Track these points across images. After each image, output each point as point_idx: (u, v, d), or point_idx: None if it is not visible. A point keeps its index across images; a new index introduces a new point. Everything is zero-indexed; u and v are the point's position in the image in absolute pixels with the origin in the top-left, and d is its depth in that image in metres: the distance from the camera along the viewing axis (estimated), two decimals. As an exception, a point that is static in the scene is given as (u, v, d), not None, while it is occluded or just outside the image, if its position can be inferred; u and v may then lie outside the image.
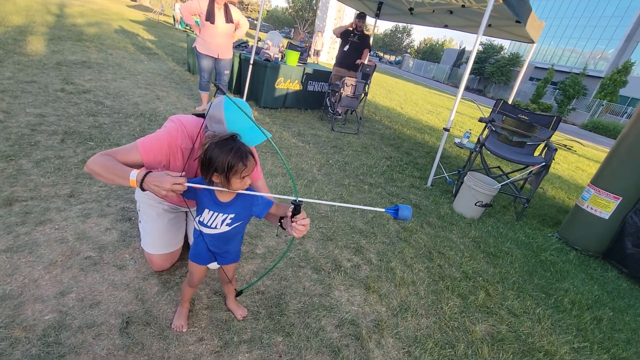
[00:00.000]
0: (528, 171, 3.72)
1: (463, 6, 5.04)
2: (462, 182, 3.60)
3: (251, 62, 5.22)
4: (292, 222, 1.22)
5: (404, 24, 58.82)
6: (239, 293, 1.66)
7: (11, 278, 1.55)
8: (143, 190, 1.16)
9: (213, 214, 1.26)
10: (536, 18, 4.71)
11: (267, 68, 5.22)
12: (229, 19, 4.01)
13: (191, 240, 1.86)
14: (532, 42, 5.29)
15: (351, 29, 5.81)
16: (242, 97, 5.51)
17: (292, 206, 1.20)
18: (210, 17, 3.84)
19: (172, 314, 1.59)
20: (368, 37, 5.93)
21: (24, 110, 3.25)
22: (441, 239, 2.86)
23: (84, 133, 3.10)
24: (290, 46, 6.76)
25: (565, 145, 3.80)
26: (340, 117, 6.22)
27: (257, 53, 5.52)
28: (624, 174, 3.04)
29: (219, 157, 1.12)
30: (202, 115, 1.55)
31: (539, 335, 2.05)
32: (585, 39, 33.15)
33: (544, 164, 3.38)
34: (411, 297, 2.10)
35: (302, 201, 1.18)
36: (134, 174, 1.17)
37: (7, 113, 3.11)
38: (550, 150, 3.49)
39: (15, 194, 2.09)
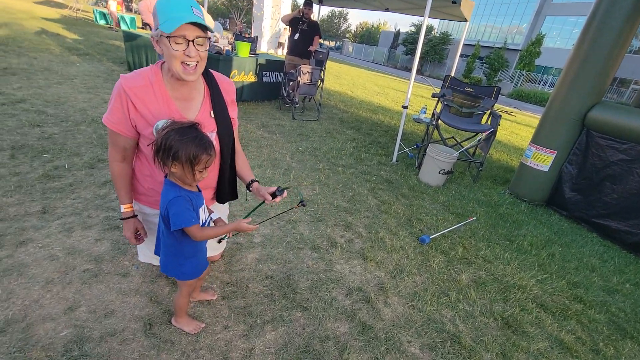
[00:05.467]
0: (478, 138, 4.15)
1: (403, -11, 5.32)
2: (424, 155, 3.92)
3: (202, 56, 5.03)
4: (271, 200, 1.39)
5: (340, 9, 59.30)
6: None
7: (9, 302, 1.45)
8: None
9: (204, 207, 1.28)
10: (468, -2, 5.14)
11: (219, 61, 5.07)
12: None
13: None
14: (465, 20, 5.76)
15: (299, 16, 5.83)
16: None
17: (276, 190, 1.37)
18: None
19: (191, 309, 1.60)
20: (317, 24, 5.99)
21: (-47, 128, 2.86)
22: (416, 207, 3.12)
23: (35, 146, 2.82)
24: (237, 37, 6.60)
25: (506, 111, 4.28)
26: (298, 105, 6.27)
27: (206, 46, 5.31)
28: (556, 131, 3.53)
29: (181, 146, 1.06)
30: None
31: (511, 274, 2.39)
32: (503, 15, 36.30)
33: (492, 129, 3.80)
34: (403, 260, 2.31)
35: (283, 190, 1.37)
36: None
37: None
38: (495, 117, 3.92)
39: (-21, 218, 1.89)
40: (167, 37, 1.07)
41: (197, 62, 1.15)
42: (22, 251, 1.73)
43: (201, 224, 1.24)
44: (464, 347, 1.70)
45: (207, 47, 1.17)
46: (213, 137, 1.40)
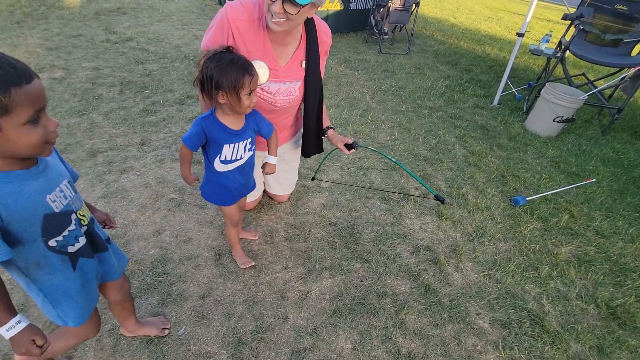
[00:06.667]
0: (622, 75, 3.15)
1: None
2: (537, 97, 3.18)
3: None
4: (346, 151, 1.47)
5: None
6: (313, 178, 1.99)
7: (113, 220, 1.72)
8: None
9: (234, 146, 1.20)
10: None
11: (303, -12, 4.70)
12: None
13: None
14: None
15: None
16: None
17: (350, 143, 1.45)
18: None
19: (256, 245, 1.69)
20: None
21: (80, 65, 3.34)
22: (514, 161, 2.64)
23: (138, 82, 3.14)
24: (325, -42, 5.93)
25: (677, 38, 3.09)
26: (387, 36, 5.61)
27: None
28: None
29: (221, 73, 1.01)
30: None
31: (633, 255, 1.90)
32: None
33: (647, 64, 2.81)
34: (486, 222, 2.02)
35: (358, 146, 1.46)
36: None
37: (66, 69, 3.22)
38: (657, 46, 2.86)
39: (96, 146, 2.24)
40: None
41: (285, 20, 1.09)
42: (125, 177, 2.01)
43: (225, 160, 1.22)
44: (547, 331, 1.46)
45: (299, 13, 1.08)
46: (298, 86, 1.36)
